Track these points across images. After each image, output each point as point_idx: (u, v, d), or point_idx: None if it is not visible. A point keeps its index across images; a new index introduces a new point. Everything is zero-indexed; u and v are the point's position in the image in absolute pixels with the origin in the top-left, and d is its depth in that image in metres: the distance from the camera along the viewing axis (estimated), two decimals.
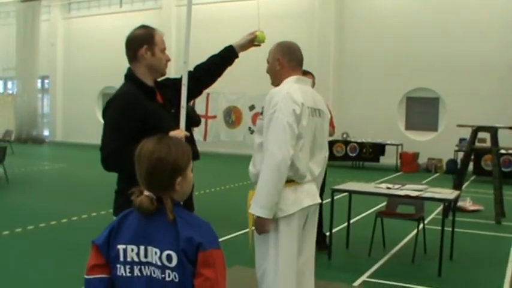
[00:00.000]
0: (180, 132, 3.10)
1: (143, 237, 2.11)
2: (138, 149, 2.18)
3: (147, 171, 2.11)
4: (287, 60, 3.71)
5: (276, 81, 3.76)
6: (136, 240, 2.12)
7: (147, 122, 3.10)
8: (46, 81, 28.97)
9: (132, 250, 2.12)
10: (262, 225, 3.44)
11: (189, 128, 3.33)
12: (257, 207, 3.41)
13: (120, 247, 2.13)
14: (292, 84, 3.60)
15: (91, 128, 25.48)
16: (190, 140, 3.05)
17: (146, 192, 2.11)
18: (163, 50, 3.34)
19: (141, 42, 3.26)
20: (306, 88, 3.70)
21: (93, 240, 2.20)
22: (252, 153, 3.72)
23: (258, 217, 3.42)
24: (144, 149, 2.14)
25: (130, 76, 3.30)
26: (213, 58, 3.73)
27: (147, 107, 3.17)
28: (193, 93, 3.53)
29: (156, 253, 2.08)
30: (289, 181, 3.49)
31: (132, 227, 2.14)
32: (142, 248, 2.11)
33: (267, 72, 3.83)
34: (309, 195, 3.63)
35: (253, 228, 3.58)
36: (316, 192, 3.77)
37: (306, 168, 3.58)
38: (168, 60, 3.38)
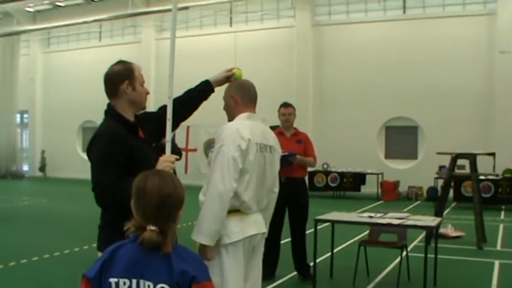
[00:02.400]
0: (169, 158, 3.13)
1: (136, 270, 2.12)
2: (139, 184, 2.21)
3: (157, 207, 2.14)
4: (241, 97, 3.87)
5: (231, 117, 3.93)
6: (129, 273, 2.12)
7: (133, 157, 3.10)
8: (25, 115, 28.81)
9: (124, 283, 2.12)
10: (204, 252, 3.56)
11: None
12: (199, 235, 3.54)
13: (112, 280, 2.13)
14: (242, 121, 3.77)
15: (71, 163, 25.34)
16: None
17: (152, 227, 2.12)
18: (142, 83, 3.36)
19: (122, 77, 3.26)
20: (257, 125, 3.83)
21: (84, 273, 2.19)
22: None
23: (201, 244, 3.55)
24: (150, 185, 2.17)
25: (111, 112, 3.30)
26: (189, 92, 3.76)
27: (132, 142, 3.17)
28: (171, 127, 3.55)
29: (149, 286, 2.09)
30: (237, 211, 3.66)
31: (124, 260, 2.15)
32: (134, 281, 2.12)
33: (224, 109, 3.97)
34: (255, 225, 3.78)
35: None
36: (263, 223, 3.90)
37: (252, 200, 3.71)
38: (147, 93, 3.40)
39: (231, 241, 3.62)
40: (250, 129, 3.69)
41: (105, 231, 3.15)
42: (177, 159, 3.17)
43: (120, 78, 3.26)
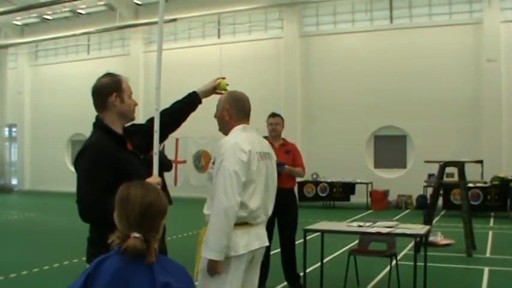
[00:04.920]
0: (154, 179, 3.12)
1: (119, 282, 2.12)
2: (122, 193, 2.22)
3: (140, 215, 2.16)
4: (235, 111, 3.91)
5: (224, 129, 3.97)
6: (112, 286, 2.13)
7: (121, 170, 3.09)
8: (13, 129, 28.68)
9: None
10: (213, 268, 3.58)
11: (161, 173, 3.35)
12: (208, 251, 3.57)
13: None
14: (239, 133, 3.81)
15: (60, 176, 25.18)
16: (163, 185, 3.07)
17: (136, 234, 2.13)
18: (130, 95, 3.37)
19: (110, 90, 3.27)
20: (253, 135, 3.89)
21: (68, 287, 2.19)
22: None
23: (210, 260, 3.57)
24: (133, 194, 2.19)
25: (99, 125, 3.30)
26: (177, 104, 3.79)
27: (120, 155, 3.17)
28: (159, 139, 3.56)
29: None
30: (243, 223, 3.68)
31: (108, 273, 2.15)
32: None
33: (215, 117, 3.99)
34: (259, 238, 3.83)
35: (200, 268, 3.71)
36: (266, 236, 3.95)
37: (259, 209, 3.76)
38: (136, 104, 3.41)
39: (237, 254, 3.64)
40: (248, 141, 3.74)
41: (94, 244, 3.14)
42: (158, 184, 3.16)
43: (108, 91, 3.27)
